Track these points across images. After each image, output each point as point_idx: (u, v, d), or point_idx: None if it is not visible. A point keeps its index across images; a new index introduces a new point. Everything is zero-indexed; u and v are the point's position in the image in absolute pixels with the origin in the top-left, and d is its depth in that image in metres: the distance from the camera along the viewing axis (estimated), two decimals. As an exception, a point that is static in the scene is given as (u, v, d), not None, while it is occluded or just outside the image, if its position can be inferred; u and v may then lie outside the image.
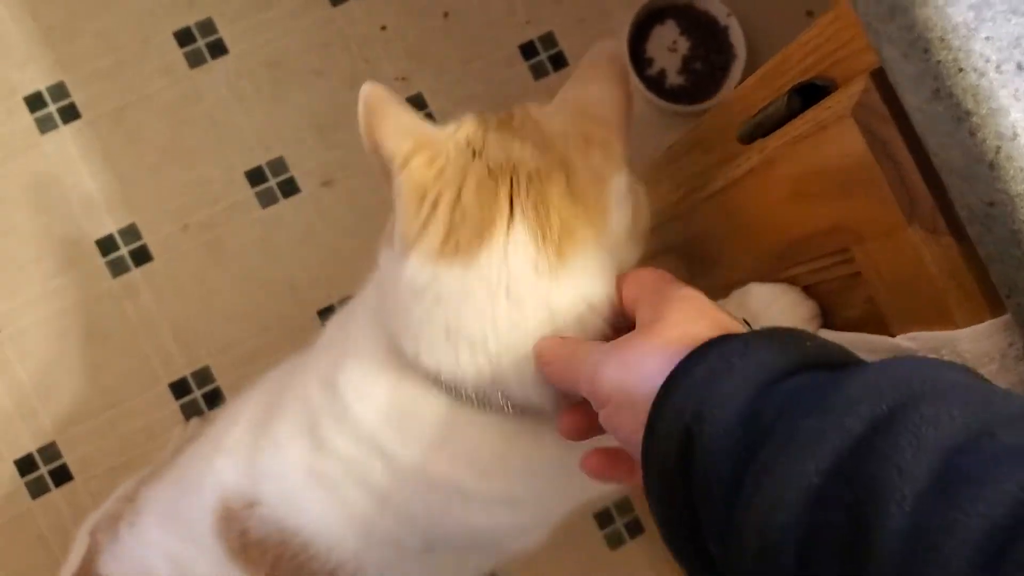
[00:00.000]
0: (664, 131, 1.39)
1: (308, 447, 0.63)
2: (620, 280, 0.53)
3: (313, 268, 1.31)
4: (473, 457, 0.58)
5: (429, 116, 1.35)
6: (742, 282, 0.63)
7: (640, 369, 0.42)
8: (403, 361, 0.57)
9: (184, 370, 1.28)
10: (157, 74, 1.31)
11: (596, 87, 0.56)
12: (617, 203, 0.55)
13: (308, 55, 1.34)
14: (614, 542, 1.30)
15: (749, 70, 1.39)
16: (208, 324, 1.29)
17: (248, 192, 1.31)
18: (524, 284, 0.52)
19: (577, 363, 0.47)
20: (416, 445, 0.58)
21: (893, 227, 0.45)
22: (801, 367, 0.37)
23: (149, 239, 1.29)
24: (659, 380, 0.39)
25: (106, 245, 1.28)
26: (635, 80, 1.36)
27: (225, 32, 1.32)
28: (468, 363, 0.54)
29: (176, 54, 1.31)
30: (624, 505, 1.30)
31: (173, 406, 1.27)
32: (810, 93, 0.52)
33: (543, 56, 1.38)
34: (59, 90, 1.29)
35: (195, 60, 1.31)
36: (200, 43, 1.32)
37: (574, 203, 0.53)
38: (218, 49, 1.32)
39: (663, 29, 1.40)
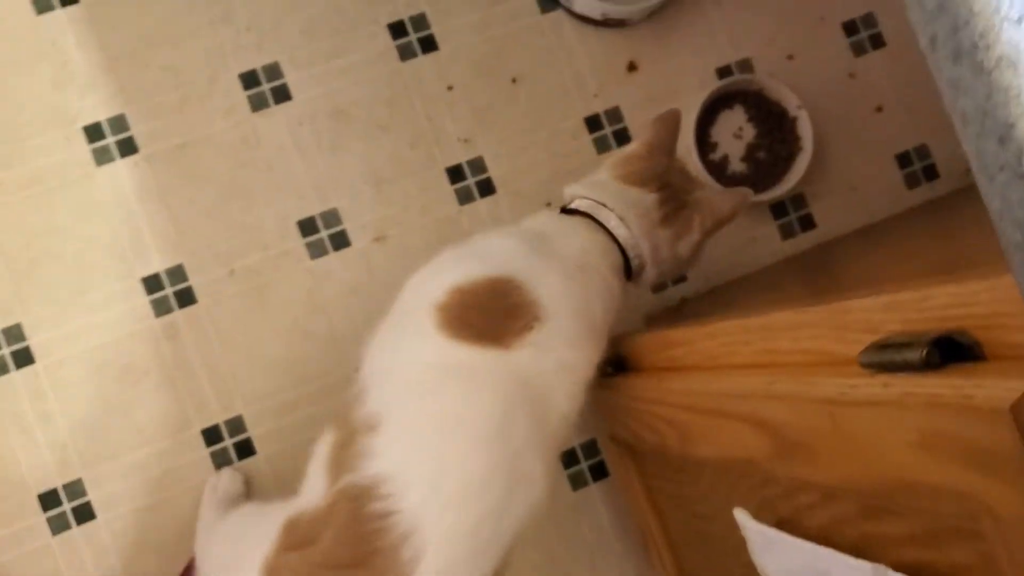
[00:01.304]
0: (721, 216, 1.37)
1: None
2: None
3: (358, 324, 1.29)
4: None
5: (487, 181, 1.33)
6: (840, 494, 0.61)
7: None
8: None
9: (217, 417, 1.27)
10: (219, 114, 1.29)
11: None
12: None
13: (372, 108, 1.32)
14: (578, 484, 1.33)
15: (815, 164, 1.37)
16: (246, 372, 1.28)
17: (299, 242, 1.29)
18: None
19: None
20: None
21: (1040, 527, 0.43)
22: None
23: (195, 281, 1.27)
24: None
25: (151, 284, 1.26)
26: (697, 163, 1.34)
27: (291, 78, 1.30)
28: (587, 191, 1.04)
29: (240, 96, 1.29)
30: (590, 448, 1.34)
31: (203, 452, 1.26)
32: (949, 346, 0.50)
33: (607, 131, 1.36)
34: (119, 122, 1.27)
35: (258, 104, 1.29)
36: (265, 87, 1.30)
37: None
38: (282, 95, 1.30)
39: (731, 114, 1.38)
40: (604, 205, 1.01)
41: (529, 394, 0.86)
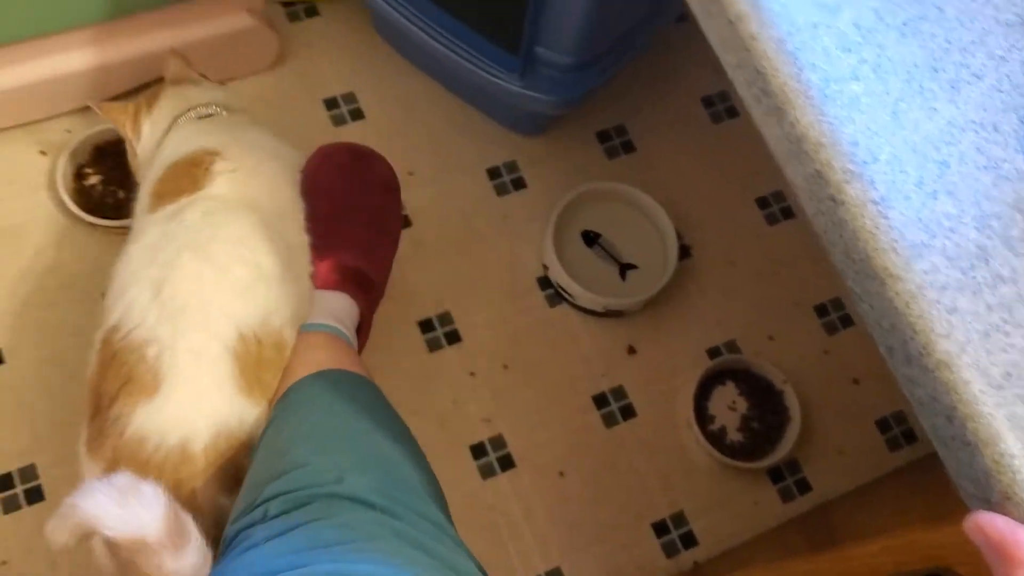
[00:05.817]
0: (724, 482, 1.49)
1: None
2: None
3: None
4: None
5: (508, 456, 1.45)
6: None
7: None
8: None
9: None
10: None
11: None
12: None
13: (404, 395, 1.46)
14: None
15: (804, 432, 1.51)
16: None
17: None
18: None
19: None
20: None
21: None
22: None
23: None
24: None
25: None
26: (697, 434, 1.48)
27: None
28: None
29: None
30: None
31: None
32: (938, 582, 0.61)
33: (614, 407, 1.51)
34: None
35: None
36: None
37: None
38: (322, 385, 1.45)
39: (724, 389, 1.54)
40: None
41: (232, 202, 1.05)
